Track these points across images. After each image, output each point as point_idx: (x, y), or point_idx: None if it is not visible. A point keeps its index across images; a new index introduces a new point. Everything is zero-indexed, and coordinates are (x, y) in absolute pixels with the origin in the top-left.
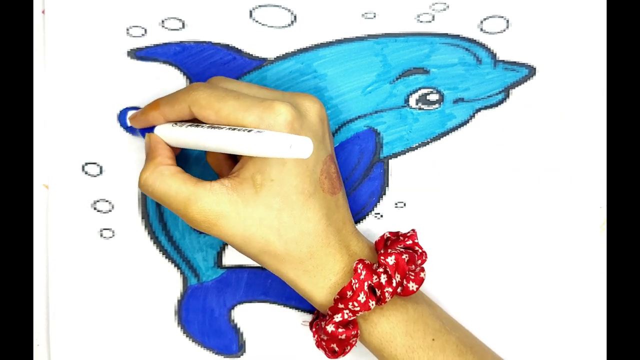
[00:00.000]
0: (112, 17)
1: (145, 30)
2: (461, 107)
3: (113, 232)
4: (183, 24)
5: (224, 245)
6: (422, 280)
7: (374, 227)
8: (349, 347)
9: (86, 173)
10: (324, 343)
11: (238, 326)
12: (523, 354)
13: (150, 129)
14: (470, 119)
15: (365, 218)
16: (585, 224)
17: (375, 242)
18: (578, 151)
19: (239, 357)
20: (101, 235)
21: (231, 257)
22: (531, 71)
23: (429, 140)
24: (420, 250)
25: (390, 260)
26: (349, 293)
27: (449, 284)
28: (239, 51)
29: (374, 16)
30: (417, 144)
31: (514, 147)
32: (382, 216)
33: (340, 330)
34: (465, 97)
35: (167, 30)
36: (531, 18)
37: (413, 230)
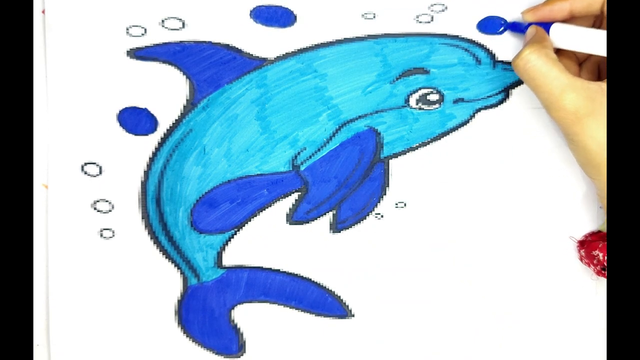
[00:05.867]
0: (112, 17)
1: (145, 30)
2: (461, 107)
3: (113, 232)
4: (183, 24)
5: (224, 246)
6: None
7: (374, 227)
8: None
9: (85, 173)
10: None
11: (238, 326)
12: (523, 355)
13: (541, 25)
14: (471, 119)
15: (365, 218)
16: (585, 224)
17: None
18: None
19: (239, 357)
20: (101, 235)
21: (231, 257)
22: None
23: (429, 140)
24: None
25: None
26: None
27: (449, 284)
28: (239, 51)
29: (374, 16)
30: (417, 144)
31: (514, 147)
32: (382, 216)
33: None
34: (465, 97)
35: (167, 30)
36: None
37: None
